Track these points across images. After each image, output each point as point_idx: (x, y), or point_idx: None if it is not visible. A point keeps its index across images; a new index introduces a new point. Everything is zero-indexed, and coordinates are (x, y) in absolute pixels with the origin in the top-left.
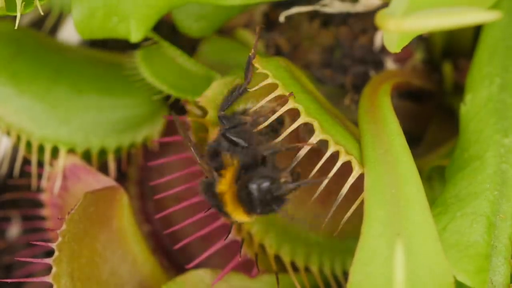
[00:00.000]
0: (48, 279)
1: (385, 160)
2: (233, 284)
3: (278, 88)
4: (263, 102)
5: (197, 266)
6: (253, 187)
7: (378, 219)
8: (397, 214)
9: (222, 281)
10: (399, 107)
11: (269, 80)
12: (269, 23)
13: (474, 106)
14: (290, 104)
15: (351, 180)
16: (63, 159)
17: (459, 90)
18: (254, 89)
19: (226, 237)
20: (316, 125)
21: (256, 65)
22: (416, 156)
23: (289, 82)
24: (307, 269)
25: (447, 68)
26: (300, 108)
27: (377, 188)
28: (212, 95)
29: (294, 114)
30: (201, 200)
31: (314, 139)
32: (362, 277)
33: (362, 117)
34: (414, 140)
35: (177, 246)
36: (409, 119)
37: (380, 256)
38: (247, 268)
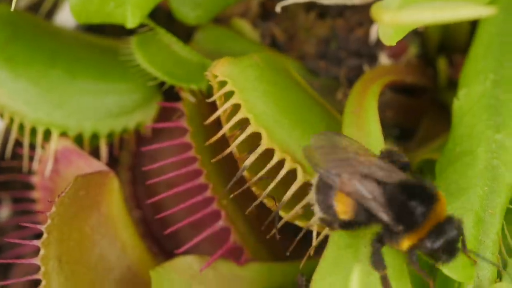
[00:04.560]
0: (36, 261)
1: None
2: (221, 272)
3: (234, 96)
4: None
5: (186, 253)
6: None
7: None
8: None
9: (210, 268)
10: (392, 100)
11: (227, 88)
12: (266, 13)
13: (467, 101)
14: (241, 114)
15: (294, 187)
16: (55, 142)
17: (453, 85)
18: (211, 99)
19: (215, 224)
20: (263, 134)
21: (217, 72)
22: (408, 150)
23: (251, 86)
24: None
25: (442, 63)
26: (250, 117)
27: None
28: None
29: None
30: (192, 186)
31: (260, 149)
32: (323, 285)
33: (347, 117)
34: (407, 133)
35: (166, 232)
36: (403, 112)
37: (343, 268)
38: (236, 255)
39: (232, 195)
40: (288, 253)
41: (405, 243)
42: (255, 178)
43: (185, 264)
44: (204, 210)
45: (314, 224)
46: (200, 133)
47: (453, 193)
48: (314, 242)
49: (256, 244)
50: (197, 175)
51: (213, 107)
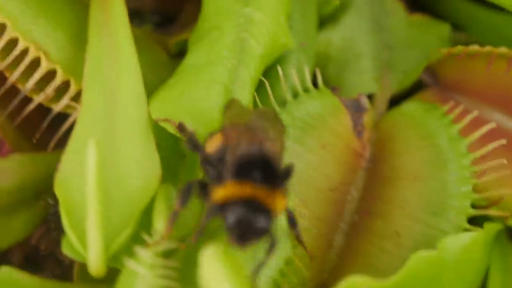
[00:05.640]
0: None
1: (108, 51)
2: None
3: None
4: None
5: None
6: None
7: (95, 108)
8: (114, 105)
9: None
10: None
11: None
12: None
13: None
14: None
15: (37, 75)
16: None
17: None
18: None
19: None
20: (8, 24)
21: None
22: (169, 34)
23: None
24: None
25: None
26: None
27: (97, 76)
28: None
29: None
30: None
31: (5, 37)
32: (70, 166)
33: (94, 2)
34: (169, 19)
35: None
36: None
37: (84, 147)
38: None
39: None
40: (35, 140)
41: (218, 194)
42: (2, 65)
43: None
44: None
45: (66, 104)
46: None
47: (201, 67)
48: (64, 127)
49: (17, 136)
50: None
51: None
